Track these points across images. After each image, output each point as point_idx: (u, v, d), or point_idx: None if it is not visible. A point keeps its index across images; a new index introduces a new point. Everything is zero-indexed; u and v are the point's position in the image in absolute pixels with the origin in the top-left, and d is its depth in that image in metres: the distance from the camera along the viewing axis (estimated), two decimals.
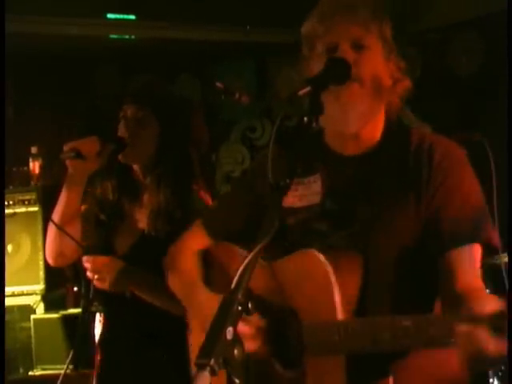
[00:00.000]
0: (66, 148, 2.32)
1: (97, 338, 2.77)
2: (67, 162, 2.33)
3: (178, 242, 1.97)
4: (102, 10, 5.14)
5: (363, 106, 1.64)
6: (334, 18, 1.67)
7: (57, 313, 4.23)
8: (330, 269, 1.50)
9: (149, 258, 2.35)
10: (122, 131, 2.42)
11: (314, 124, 1.51)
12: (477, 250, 1.58)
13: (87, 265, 2.30)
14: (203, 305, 1.75)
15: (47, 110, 5.53)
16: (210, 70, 5.59)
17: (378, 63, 1.66)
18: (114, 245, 2.47)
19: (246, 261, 1.29)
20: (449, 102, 4.69)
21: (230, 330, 1.20)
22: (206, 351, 1.17)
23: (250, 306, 1.24)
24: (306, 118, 1.50)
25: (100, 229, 2.47)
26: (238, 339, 1.20)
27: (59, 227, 2.35)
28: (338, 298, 1.49)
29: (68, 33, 5.08)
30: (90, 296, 2.36)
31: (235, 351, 1.20)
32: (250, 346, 1.57)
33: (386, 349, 1.40)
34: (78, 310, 4.26)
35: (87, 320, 3.17)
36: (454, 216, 1.57)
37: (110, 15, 5.20)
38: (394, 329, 1.37)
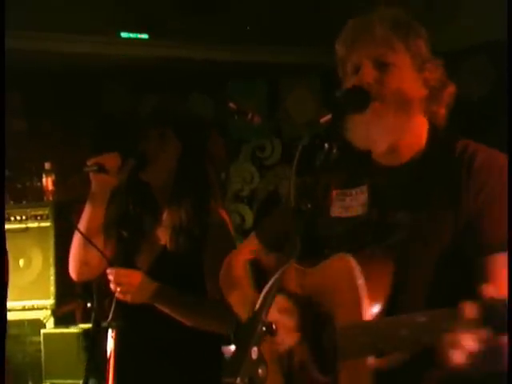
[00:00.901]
0: (89, 162, 2.38)
1: (108, 353, 2.79)
2: (91, 176, 2.38)
3: (232, 252, 2.01)
4: (116, 29, 5.22)
5: (388, 123, 1.67)
6: (354, 38, 1.72)
7: (67, 328, 4.25)
8: (358, 271, 1.53)
9: (169, 275, 2.38)
10: (143, 149, 2.47)
11: (335, 150, 1.55)
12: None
13: (110, 277, 2.32)
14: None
15: (60, 125, 5.58)
16: (222, 90, 5.64)
17: (404, 77, 1.69)
18: (135, 261, 2.50)
19: (271, 283, 1.32)
20: (458, 127, 4.71)
21: (254, 349, 1.24)
22: (233, 370, 1.21)
23: (274, 326, 1.27)
24: (326, 145, 1.54)
25: (121, 244, 2.50)
26: (262, 359, 1.24)
27: (85, 237, 2.39)
28: (365, 300, 1.51)
29: (81, 51, 5.15)
30: (112, 310, 2.37)
31: (260, 371, 1.23)
32: (290, 339, 1.59)
33: (408, 347, 1.41)
34: (88, 325, 4.28)
35: (99, 335, 3.20)
36: (491, 223, 1.57)
37: (123, 34, 5.27)
38: (412, 325, 1.37)
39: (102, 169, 2.37)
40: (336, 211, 1.74)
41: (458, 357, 1.28)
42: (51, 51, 5.10)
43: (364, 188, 1.75)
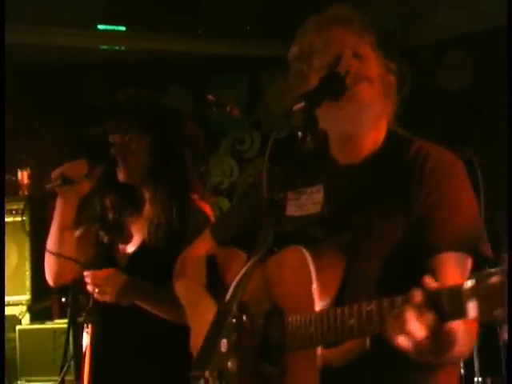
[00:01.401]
0: (53, 175, 2.37)
1: (84, 348, 2.76)
2: (56, 190, 2.37)
3: (186, 250, 1.98)
4: (93, 21, 5.16)
5: (377, 107, 1.67)
6: (331, 29, 1.70)
7: (42, 323, 4.20)
8: (310, 263, 1.53)
9: (149, 268, 2.37)
10: (113, 152, 2.43)
11: (308, 139, 1.52)
12: (464, 260, 1.57)
13: (87, 279, 2.31)
14: (204, 314, 1.75)
15: (35, 119, 5.52)
16: (202, 82, 5.61)
17: (375, 70, 1.69)
18: (116, 257, 2.48)
19: (240, 274, 1.30)
20: (438, 118, 4.73)
21: (224, 342, 1.21)
22: (201, 363, 1.18)
23: (244, 318, 1.24)
24: (300, 133, 1.51)
25: (101, 245, 2.49)
26: (231, 352, 1.21)
27: (54, 253, 2.40)
28: (316, 291, 1.51)
29: (58, 43, 5.09)
30: (90, 306, 2.36)
31: (229, 363, 1.21)
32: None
33: (355, 336, 1.41)
34: (63, 321, 4.23)
35: (75, 331, 3.16)
36: (441, 223, 1.57)
37: (100, 26, 5.22)
38: (359, 314, 1.38)
39: (66, 181, 2.35)
40: (291, 210, 1.72)
41: (403, 341, 1.28)
42: (26, 44, 5.03)
43: (320, 187, 1.74)
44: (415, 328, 1.27)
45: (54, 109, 5.53)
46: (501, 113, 3.87)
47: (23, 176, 4.45)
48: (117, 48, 5.34)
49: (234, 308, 1.25)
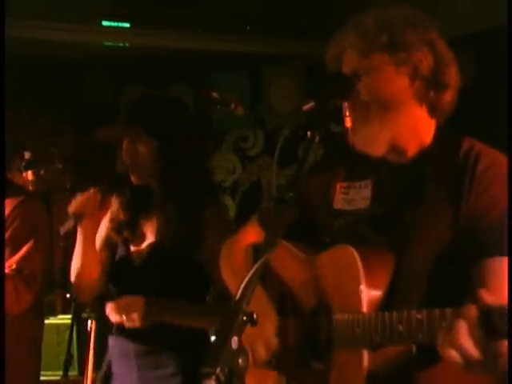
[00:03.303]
0: (69, 214, 2.45)
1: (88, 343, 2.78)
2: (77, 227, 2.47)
3: (233, 236, 1.99)
4: (97, 18, 5.17)
5: (373, 128, 1.65)
6: (346, 36, 1.71)
7: (46, 319, 4.21)
8: (359, 263, 1.54)
9: (162, 268, 2.38)
10: (124, 158, 2.45)
11: (317, 139, 1.53)
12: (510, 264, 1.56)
13: (112, 311, 2.34)
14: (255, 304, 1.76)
15: (40, 114, 5.53)
16: (204, 79, 5.62)
17: (384, 78, 1.67)
18: (129, 257, 2.50)
19: (251, 272, 1.31)
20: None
21: (235, 339, 1.22)
22: (212, 360, 1.19)
23: (255, 316, 1.25)
24: (309, 133, 1.52)
25: (114, 246, 2.53)
26: (242, 349, 1.22)
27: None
28: (364, 291, 1.52)
29: (62, 38, 5.10)
30: (92, 303, 2.39)
31: (240, 360, 1.22)
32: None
33: (403, 342, 1.42)
34: (67, 317, 4.25)
35: (79, 327, 3.19)
36: (492, 226, 1.56)
37: (104, 22, 5.23)
38: (409, 321, 1.38)
39: (80, 219, 2.45)
40: (339, 203, 1.74)
41: (454, 355, 1.29)
42: (30, 39, 5.05)
43: (368, 182, 1.74)
44: (467, 343, 1.27)
45: (57, 104, 5.54)
46: (503, 112, 3.88)
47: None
48: (121, 44, 5.35)
49: (245, 305, 1.26)
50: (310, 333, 1.63)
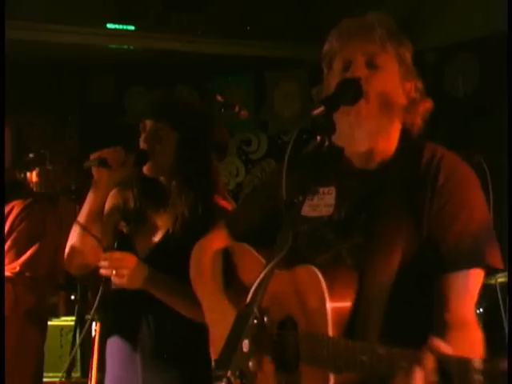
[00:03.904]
0: (92, 156, 2.37)
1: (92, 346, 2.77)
2: (92, 170, 2.38)
3: (201, 241, 2.00)
4: (102, 20, 5.18)
5: (371, 125, 1.65)
6: (351, 35, 1.71)
7: (49, 321, 4.22)
8: (324, 285, 1.52)
9: (169, 262, 2.37)
10: (142, 144, 2.46)
11: (327, 142, 1.54)
12: (477, 276, 1.56)
13: (104, 262, 2.27)
14: (223, 319, 1.77)
15: (45, 116, 5.54)
16: (208, 82, 5.63)
17: (390, 82, 1.68)
18: (136, 249, 2.49)
19: (262, 275, 1.31)
20: (445, 122, 4.74)
21: (246, 342, 1.23)
22: (223, 363, 1.19)
23: (265, 319, 1.26)
24: (318, 137, 1.53)
25: (122, 236, 2.50)
26: (253, 352, 1.23)
27: (83, 226, 2.38)
28: (329, 312, 1.51)
29: (67, 41, 5.11)
30: (97, 300, 2.35)
31: (250, 364, 1.23)
32: None
33: (365, 372, 1.40)
34: (70, 319, 4.26)
35: (84, 328, 3.18)
36: (454, 240, 1.55)
37: (109, 25, 5.24)
38: (371, 354, 1.37)
39: (103, 163, 2.35)
40: (305, 210, 1.70)
41: None
42: (35, 41, 5.06)
43: (332, 189, 1.73)
44: None
45: (62, 106, 5.55)
46: (507, 116, 3.90)
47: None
48: (125, 47, 5.36)
49: (255, 309, 1.27)
50: (278, 344, 1.61)
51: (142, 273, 2.30)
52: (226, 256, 1.90)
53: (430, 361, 1.28)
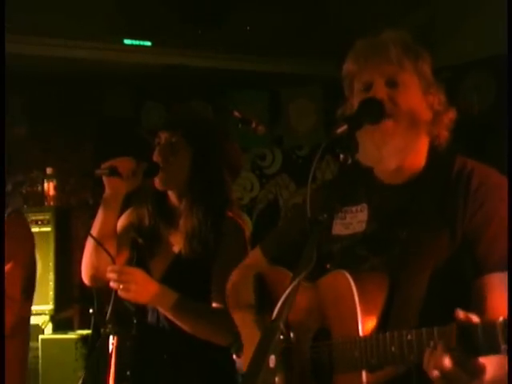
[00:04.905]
0: (103, 166, 2.37)
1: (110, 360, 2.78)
2: (104, 179, 2.37)
3: (239, 267, 2.02)
4: (120, 36, 5.24)
5: (398, 143, 1.68)
6: (367, 57, 1.74)
7: (65, 333, 4.24)
8: (354, 288, 1.56)
9: (183, 281, 2.37)
10: (155, 157, 2.47)
11: (350, 161, 1.56)
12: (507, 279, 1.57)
13: (112, 274, 2.23)
14: (251, 335, 1.79)
15: (62, 131, 5.59)
16: (223, 98, 5.66)
17: (413, 98, 1.71)
18: (149, 267, 2.48)
19: (287, 292, 1.33)
20: (460, 140, 4.74)
21: (272, 358, 1.24)
22: (250, 379, 1.21)
23: (292, 335, 1.28)
24: (342, 156, 1.55)
25: (135, 251, 2.49)
26: (279, 367, 1.24)
27: (97, 241, 2.35)
28: (361, 315, 1.54)
29: (85, 56, 5.17)
30: (109, 312, 2.32)
31: (277, 379, 1.24)
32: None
33: (397, 363, 1.43)
34: (86, 331, 4.28)
35: (101, 342, 3.19)
36: (489, 243, 1.58)
37: (126, 41, 5.29)
38: (400, 342, 1.40)
39: (114, 172, 2.33)
40: (337, 229, 1.77)
41: (437, 375, 1.32)
42: (54, 56, 5.11)
43: (364, 206, 1.77)
44: (445, 362, 1.30)
45: (77, 121, 5.60)
46: None
47: (49, 187, 4.51)
48: (142, 62, 5.41)
49: (281, 325, 1.28)
50: (312, 358, 1.63)
51: (151, 289, 2.26)
52: (260, 281, 1.91)
53: (449, 331, 1.30)
